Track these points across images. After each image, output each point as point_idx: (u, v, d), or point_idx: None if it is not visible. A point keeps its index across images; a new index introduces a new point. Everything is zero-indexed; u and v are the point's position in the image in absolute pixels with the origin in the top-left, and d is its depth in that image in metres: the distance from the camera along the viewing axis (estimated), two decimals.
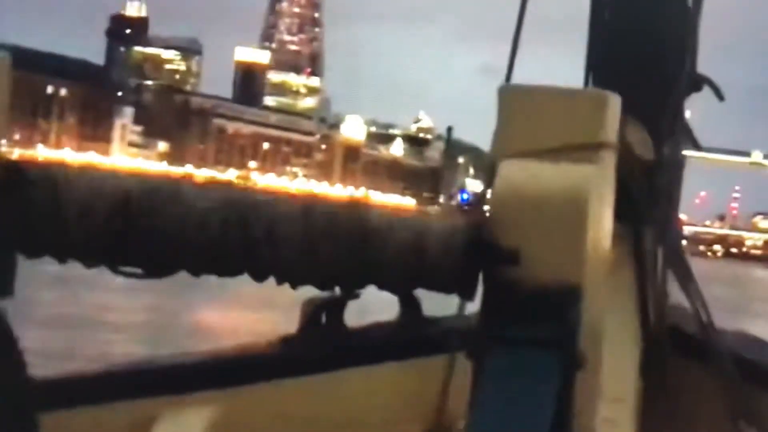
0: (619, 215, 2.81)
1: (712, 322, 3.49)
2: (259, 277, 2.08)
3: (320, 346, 3.18)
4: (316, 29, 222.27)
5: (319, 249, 2.08)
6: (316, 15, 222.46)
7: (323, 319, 3.15)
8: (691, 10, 3.49)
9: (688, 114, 3.79)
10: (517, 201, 2.16)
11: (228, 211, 2.06)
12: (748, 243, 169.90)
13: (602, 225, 2.39)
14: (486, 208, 2.22)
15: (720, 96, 3.69)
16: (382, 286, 2.15)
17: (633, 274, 3.45)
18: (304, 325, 3.15)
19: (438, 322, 3.32)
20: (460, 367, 2.57)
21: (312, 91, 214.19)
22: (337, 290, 2.35)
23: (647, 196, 3.37)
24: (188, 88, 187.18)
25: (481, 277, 2.14)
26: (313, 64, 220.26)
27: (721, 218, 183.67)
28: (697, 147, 3.83)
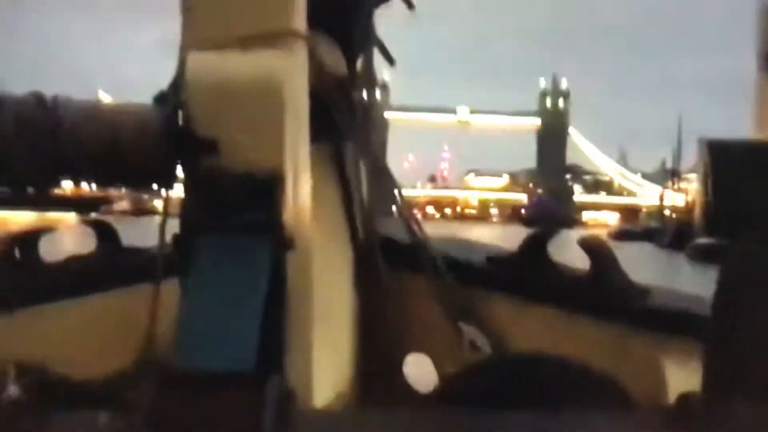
0: (318, 133, 3.03)
1: (422, 229, 3.79)
2: None
3: (18, 281, 3.25)
4: None
5: (7, 147, 2.17)
6: None
7: (17, 254, 3.23)
8: None
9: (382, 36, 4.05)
10: (211, 91, 2.33)
11: None
12: (462, 203, 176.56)
13: (299, 111, 2.60)
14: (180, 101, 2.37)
15: (410, 5, 3.97)
16: (77, 182, 2.27)
17: (338, 190, 3.69)
18: None
19: (138, 252, 3.46)
20: (167, 293, 2.72)
21: None
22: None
23: (344, 111, 3.59)
24: None
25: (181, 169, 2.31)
26: None
27: (432, 180, 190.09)
28: (390, 61, 4.09)
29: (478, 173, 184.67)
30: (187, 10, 2.49)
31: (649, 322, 3.35)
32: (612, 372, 3.17)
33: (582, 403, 2.71)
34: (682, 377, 3.07)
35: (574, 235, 4.04)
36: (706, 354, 2.01)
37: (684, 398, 2.02)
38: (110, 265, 3.45)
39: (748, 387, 1.92)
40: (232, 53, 2.38)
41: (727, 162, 2.10)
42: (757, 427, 1.89)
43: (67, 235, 3.67)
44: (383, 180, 3.88)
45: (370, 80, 3.94)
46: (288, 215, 2.38)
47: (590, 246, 3.49)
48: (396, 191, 3.88)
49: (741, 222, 2.04)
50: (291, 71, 2.46)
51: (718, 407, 1.93)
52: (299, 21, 2.64)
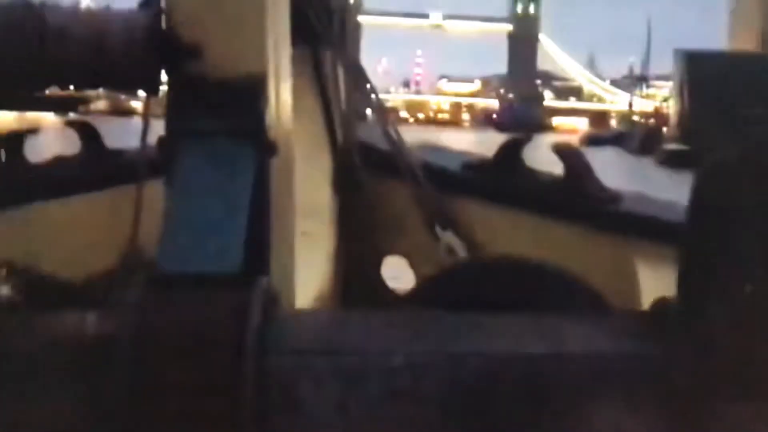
0: (297, 38, 3.01)
1: (400, 135, 3.80)
2: None
3: (4, 182, 3.26)
4: None
5: None
6: None
7: (2, 155, 3.23)
8: None
9: None
10: None
11: None
12: (434, 108, 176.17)
13: (280, 17, 2.59)
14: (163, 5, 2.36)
15: None
16: (64, 86, 2.27)
17: (317, 94, 3.68)
18: None
19: (121, 153, 3.46)
20: (150, 193, 2.72)
21: None
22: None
23: (321, 18, 3.56)
24: None
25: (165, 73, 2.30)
26: None
27: (406, 84, 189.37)
28: None
29: (451, 79, 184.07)
30: None
31: (622, 226, 3.38)
32: (586, 275, 3.20)
33: (557, 306, 2.74)
34: (653, 280, 3.11)
35: (545, 139, 4.06)
36: (680, 259, 2.03)
37: (660, 302, 2.04)
38: (95, 166, 3.45)
39: (721, 290, 1.95)
40: None
41: (704, 73, 2.11)
42: (731, 330, 1.92)
43: (51, 137, 3.68)
44: (361, 84, 3.87)
45: None
46: (270, 119, 2.38)
47: (563, 152, 3.50)
48: (373, 96, 3.88)
49: (716, 131, 2.05)
50: None
51: (693, 311, 1.95)
52: None
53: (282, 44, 2.59)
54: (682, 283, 2.00)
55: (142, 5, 2.39)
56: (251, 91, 2.30)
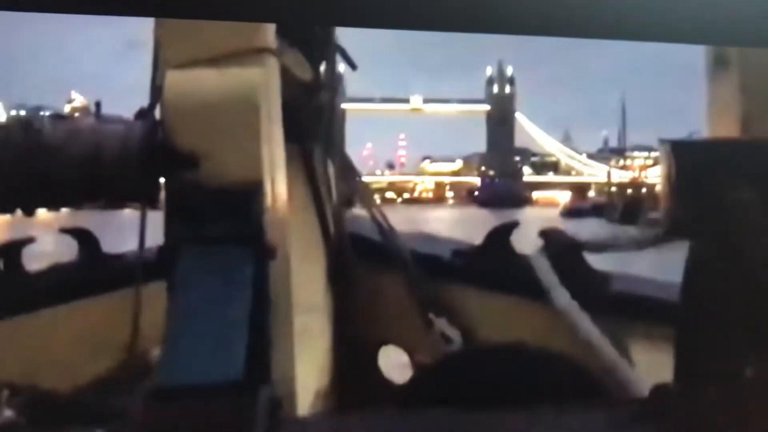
0: (288, 136, 3.00)
1: (390, 225, 3.77)
2: None
3: (3, 292, 3.22)
4: None
5: None
6: None
7: (1, 265, 3.20)
8: None
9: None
10: (191, 107, 2.30)
11: None
12: (419, 187, 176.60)
13: (274, 122, 2.58)
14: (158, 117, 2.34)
15: (352, 66, 3.98)
16: (62, 202, 2.23)
17: (308, 190, 3.66)
18: None
19: (119, 258, 3.43)
20: (148, 297, 2.68)
21: None
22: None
23: (310, 114, 3.56)
24: None
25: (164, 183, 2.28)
26: None
27: (391, 166, 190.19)
28: (352, 66, 4.07)
29: (434, 160, 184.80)
30: (163, 30, 2.46)
31: (611, 308, 3.34)
32: (577, 356, 3.16)
33: (557, 392, 2.70)
34: (647, 360, 3.06)
35: (527, 213, 4.05)
36: (677, 345, 1.99)
37: (659, 388, 2.00)
38: (92, 272, 3.42)
39: (720, 375, 1.91)
40: (209, 70, 2.36)
41: (689, 161, 2.09)
42: (731, 415, 1.88)
43: (48, 244, 3.65)
44: (350, 178, 3.86)
45: (333, 84, 3.93)
46: (268, 223, 2.36)
47: (551, 236, 3.48)
48: (363, 191, 3.86)
49: (704, 218, 2.03)
50: (265, 85, 2.44)
51: (693, 396, 1.91)
52: (270, 36, 2.62)
53: (276, 146, 2.58)
54: (680, 368, 1.97)
55: (137, 116, 2.37)
56: (249, 197, 2.28)
